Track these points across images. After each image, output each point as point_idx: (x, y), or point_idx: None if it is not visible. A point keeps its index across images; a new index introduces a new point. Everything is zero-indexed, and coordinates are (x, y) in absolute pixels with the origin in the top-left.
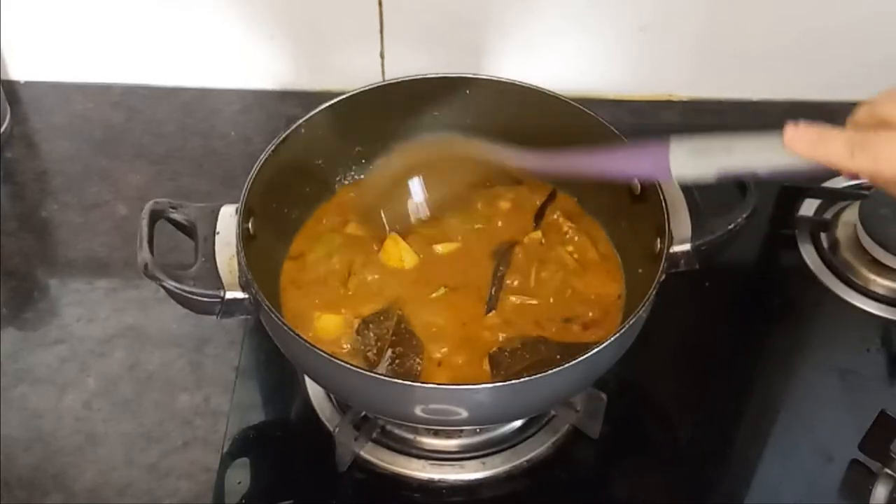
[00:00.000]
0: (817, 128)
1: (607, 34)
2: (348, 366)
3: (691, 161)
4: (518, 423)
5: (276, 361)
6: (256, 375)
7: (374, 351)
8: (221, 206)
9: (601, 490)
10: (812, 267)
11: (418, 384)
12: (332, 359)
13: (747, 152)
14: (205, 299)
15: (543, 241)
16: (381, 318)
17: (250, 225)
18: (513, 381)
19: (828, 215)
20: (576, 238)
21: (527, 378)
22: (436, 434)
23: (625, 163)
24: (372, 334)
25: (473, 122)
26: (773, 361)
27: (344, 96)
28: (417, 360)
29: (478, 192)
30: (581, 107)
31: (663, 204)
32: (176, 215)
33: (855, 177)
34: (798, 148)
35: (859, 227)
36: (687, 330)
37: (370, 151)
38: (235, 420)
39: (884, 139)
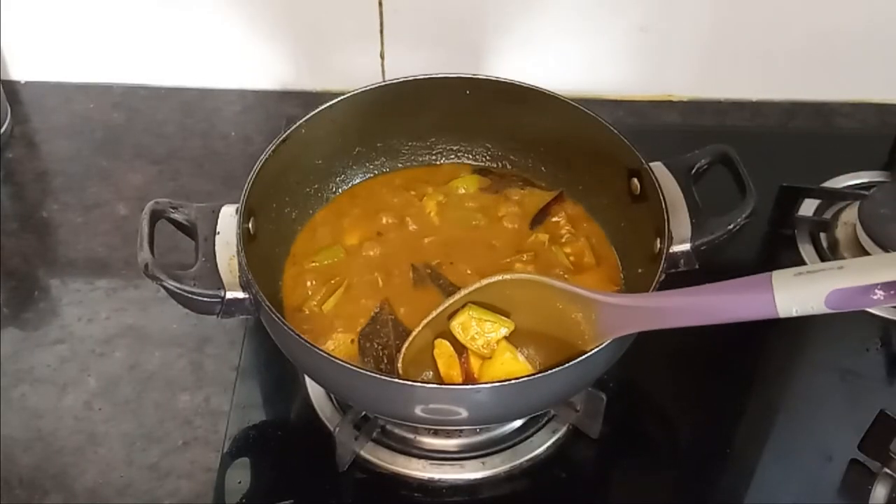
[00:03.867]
0: None
1: (607, 34)
2: (348, 366)
3: (798, 290)
4: (518, 423)
5: (277, 361)
6: (257, 375)
7: (386, 361)
8: (222, 206)
9: (601, 490)
10: None
11: (418, 384)
12: (333, 359)
13: (861, 270)
14: (205, 299)
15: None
16: (377, 326)
17: (251, 225)
18: (512, 381)
19: (827, 215)
20: (576, 241)
21: (526, 378)
22: (436, 434)
23: (722, 304)
24: (376, 344)
25: (473, 122)
26: (773, 361)
27: (344, 96)
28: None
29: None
30: (581, 107)
31: (663, 204)
32: (176, 215)
33: None
34: None
35: (859, 227)
36: (687, 330)
37: (370, 151)
38: (236, 420)
39: None
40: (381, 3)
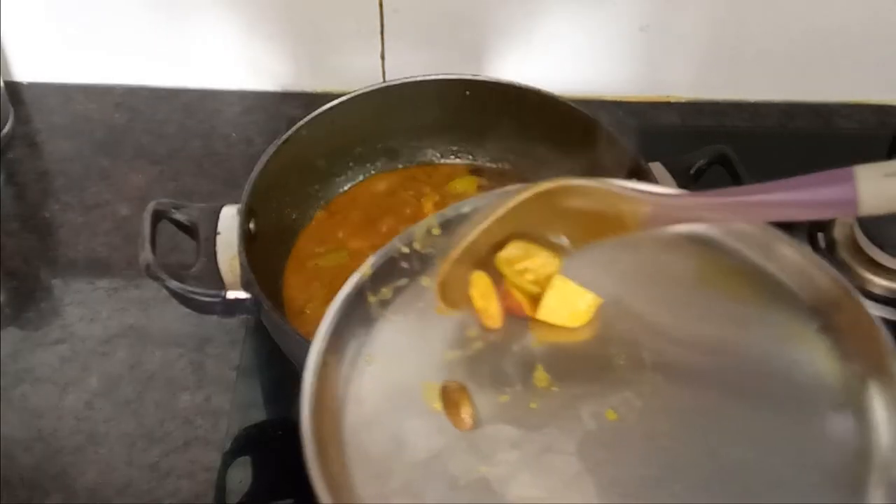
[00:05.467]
0: None
1: (607, 34)
2: None
3: (886, 187)
4: None
5: (277, 361)
6: (257, 375)
7: None
8: (223, 206)
9: None
10: None
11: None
12: None
13: None
14: (206, 299)
15: None
16: None
17: (252, 225)
18: None
19: None
20: None
21: None
22: None
23: (797, 198)
24: None
25: (473, 122)
26: None
27: (345, 97)
28: None
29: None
30: (581, 108)
31: None
32: (178, 215)
33: None
34: None
35: (856, 227)
36: None
37: (371, 152)
38: (236, 419)
39: None
40: (381, 3)
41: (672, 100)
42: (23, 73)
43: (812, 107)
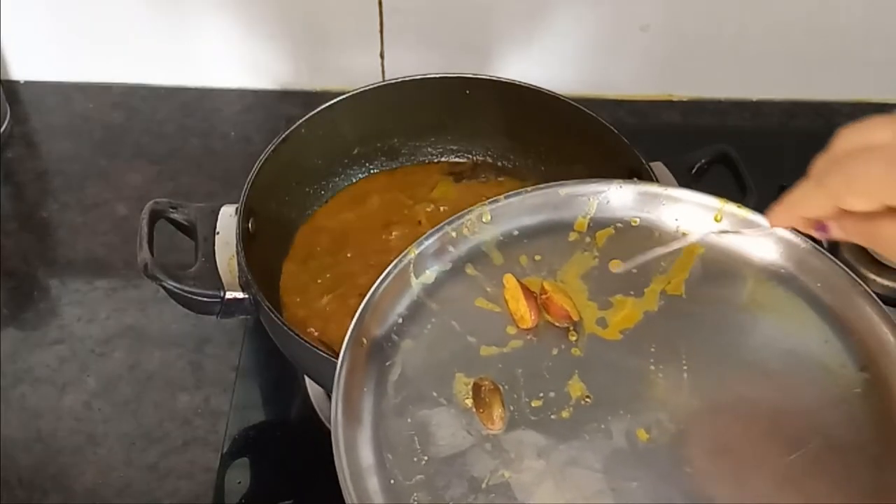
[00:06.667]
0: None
1: (607, 34)
2: None
3: None
4: None
5: (276, 361)
6: (256, 375)
7: None
8: (221, 206)
9: None
10: None
11: None
12: (332, 359)
13: None
14: (205, 299)
15: None
16: None
17: (250, 225)
18: None
19: None
20: None
21: None
22: None
23: None
24: None
25: (474, 122)
26: None
27: (344, 96)
28: None
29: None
30: (581, 107)
31: None
32: (176, 215)
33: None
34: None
35: None
36: None
37: (370, 151)
38: (235, 420)
39: (855, 158)
40: (380, 3)
41: (673, 98)
42: (20, 71)
43: (814, 106)
